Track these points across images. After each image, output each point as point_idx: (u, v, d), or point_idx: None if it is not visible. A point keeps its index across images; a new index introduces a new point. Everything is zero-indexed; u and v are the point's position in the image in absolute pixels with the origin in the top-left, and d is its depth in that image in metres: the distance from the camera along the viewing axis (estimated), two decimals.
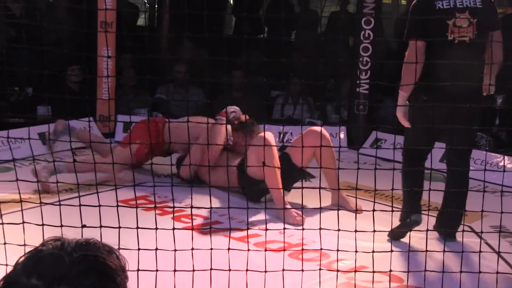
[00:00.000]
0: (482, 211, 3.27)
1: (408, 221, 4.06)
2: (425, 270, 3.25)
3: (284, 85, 8.35)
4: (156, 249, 2.98)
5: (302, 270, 3.18)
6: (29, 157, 4.94)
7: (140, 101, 7.76)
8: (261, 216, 4.35)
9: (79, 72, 7.39)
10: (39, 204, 3.11)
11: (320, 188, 3.22)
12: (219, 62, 7.11)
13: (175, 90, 8.04)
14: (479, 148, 6.45)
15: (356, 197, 3.17)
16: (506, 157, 5.98)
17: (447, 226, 4.15)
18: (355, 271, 3.30)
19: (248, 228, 3.63)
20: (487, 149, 6.40)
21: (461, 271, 3.22)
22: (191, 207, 3.06)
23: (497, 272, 3.32)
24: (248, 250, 3.20)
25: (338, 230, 3.14)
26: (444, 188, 4.14)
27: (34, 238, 2.78)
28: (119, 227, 3.00)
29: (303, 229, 3.17)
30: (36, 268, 1.08)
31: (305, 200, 3.40)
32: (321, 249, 3.32)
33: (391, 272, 3.26)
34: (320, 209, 3.13)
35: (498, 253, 3.81)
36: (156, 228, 3.01)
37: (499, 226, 3.71)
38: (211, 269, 3.03)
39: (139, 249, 2.84)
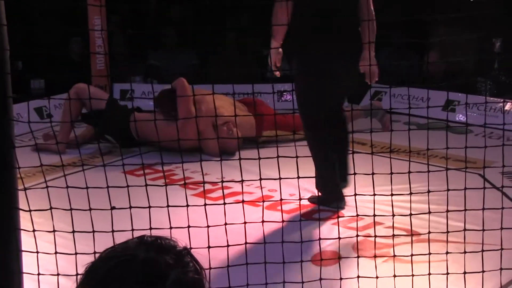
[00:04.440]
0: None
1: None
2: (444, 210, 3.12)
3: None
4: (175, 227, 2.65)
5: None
6: (27, 133, 4.83)
7: (133, 69, 7.67)
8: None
9: (80, 44, 7.37)
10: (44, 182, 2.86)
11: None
12: (209, 22, 7.03)
13: (165, 53, 7.93)
14: (480, 93, 6.41)
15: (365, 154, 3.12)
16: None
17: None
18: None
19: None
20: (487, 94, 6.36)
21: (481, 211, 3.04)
22: (222, 181, 2.79)
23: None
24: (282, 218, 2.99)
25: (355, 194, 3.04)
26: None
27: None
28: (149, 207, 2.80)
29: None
30: (151, 247, 1.14)
31: None
32: (338, 209, 3.29)
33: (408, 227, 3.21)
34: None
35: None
36: (184, 205, 2.75)
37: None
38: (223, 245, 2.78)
39: (170, 228, 2.59)
